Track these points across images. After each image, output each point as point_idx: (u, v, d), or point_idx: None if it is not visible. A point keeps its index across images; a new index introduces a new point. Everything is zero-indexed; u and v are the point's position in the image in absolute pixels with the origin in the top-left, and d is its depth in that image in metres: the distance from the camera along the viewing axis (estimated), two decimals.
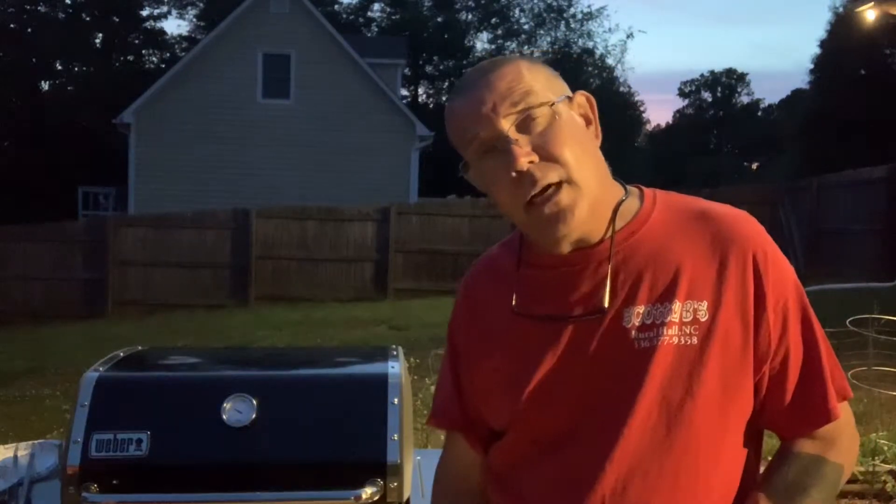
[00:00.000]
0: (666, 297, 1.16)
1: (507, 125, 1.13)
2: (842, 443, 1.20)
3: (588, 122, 1.20)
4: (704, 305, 1.15)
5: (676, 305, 1.15)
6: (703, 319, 1.15)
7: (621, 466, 1.14)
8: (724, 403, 1.15)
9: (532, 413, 1.21)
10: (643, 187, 1.28)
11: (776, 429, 1.22)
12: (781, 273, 1.19)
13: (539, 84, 1.15)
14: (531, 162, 1.12)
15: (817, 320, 1.21)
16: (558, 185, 1.12)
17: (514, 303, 1.23)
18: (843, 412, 1.20)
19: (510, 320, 1.23)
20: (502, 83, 1.14)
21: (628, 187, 1.25)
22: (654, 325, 1.15)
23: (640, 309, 1.16)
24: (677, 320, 1.15)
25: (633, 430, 1.14)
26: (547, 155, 1.12)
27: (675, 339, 1.14)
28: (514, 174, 1.12)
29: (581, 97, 1.21)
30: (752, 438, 1.21)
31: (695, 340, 1.14)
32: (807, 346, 1.19)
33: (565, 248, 1.18)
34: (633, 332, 1.15)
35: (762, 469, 1.24)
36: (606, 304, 1.17)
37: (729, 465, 1.18)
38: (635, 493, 1.14)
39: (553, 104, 1.14)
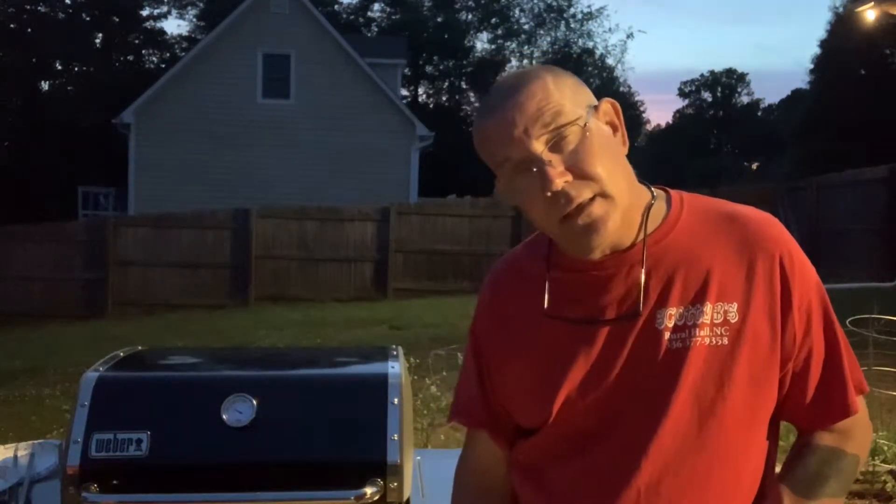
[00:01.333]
0: (697, 298, 1.19)
1: (539, 147, 1.14)
2: (857, 435, 1.25)
3: (615, 129, 1.21)
4: (735, 307, 1.18)
5: (707, 307, 1.18)
6: (734, 321, 1.18)
7: (655, 464, 1.17)
8: (752, 402, 1.19)
9: (565, 412, 1.23)
10: (669, 189, 1.30)
11: (796, 422, 1.26)
12: (805, 274, 1.22)
13: (567, 100, 1.16)
14: (566, 181, 1.13)
15: (836, 319, 1.25)
16: (591, 198, 1.15)
17: (545, 305, 1.25)
18: (860, 405, 1.24)
19: (540, 322, 1.25)
20: (532, 103, 1.14)
21: (654, 190, 1.27)
22: (686, 326, 1.18)
23: (673, 311, 1.19)
24: (709, 321, 1.18)
25: (667, 429, 1.17)
26: (580, 173, 1.14)
27: (707, 340, 1.18)
28: (549, 194, 1.13)
29: (606, 104, 1.21)
30: (772, 431, 1.24)
31: (726, 341, 1.18)
32: (828, 344, 1.23)
33: (598, 254, 1.20)
34: (667, 334, 1.18)
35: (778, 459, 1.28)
36: (641, 307, 1.19)
37: (756, 460, 1.22)
38: (668, 489, 1.17)
39: (584, 122, 1.15)
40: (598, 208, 1.14)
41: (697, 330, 1.17)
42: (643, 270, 1.20)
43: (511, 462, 1.33)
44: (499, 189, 1.21)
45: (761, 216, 1.25)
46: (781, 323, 1.19)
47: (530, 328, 1.27)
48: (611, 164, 1.16)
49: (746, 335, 1.17)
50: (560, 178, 1.12)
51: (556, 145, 1.14)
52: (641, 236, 1.21)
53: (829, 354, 1.22)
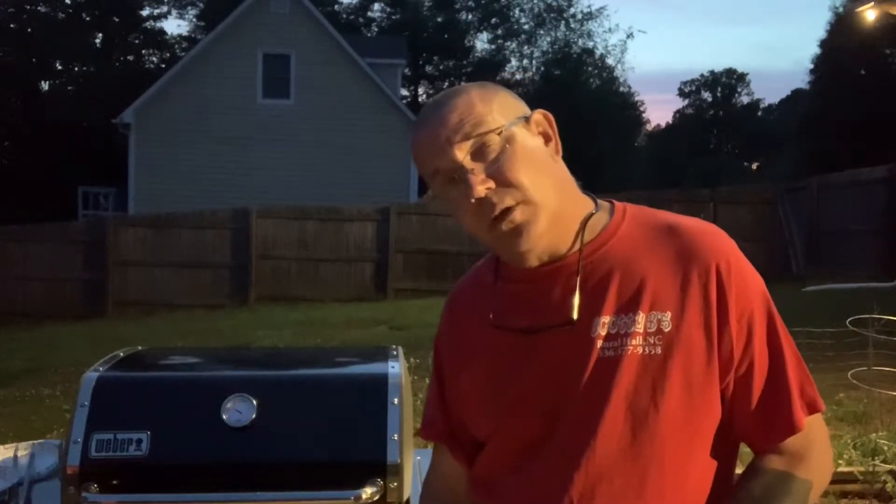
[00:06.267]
0: (630, 307, 1.19)
1: (461, 155, 1.17)
2: (811, 458, 1.21)
3: (547, 140, 1.23)
4: (668, 316, 1.18)
5: (640, 316, 1.18)
6: (667, 330, 1.17)
7: (589, 473, 1.17)
8: (689, 412, 1.17)
9: (509, 422, 1.24)
10: (615, 202, 1.31)
11: (745, 440, 1.24)
12: (746, 284, 1.21)
13: (490, 112, 1.18)
14: (488, 188, 1.16)
15: (786, 332, 1.23)
16: (514, 205, 1.17)
17: (491, 315, 1.27)
18: (815, 426, 1.22)
19: (488, 332, 1.27)
20: (454, 115, 1.18)
21: (599, 202, 1.29)
22: (618, 335, 1.18)
23: (606, 319, 1.19)
24: (641, 331, 1.18)
25: (601, 438, 1.16)
26: (502, 180, 1.16)
27: (640, 349, 1.17)
28: (473, 201, 1.16)
29: (538, 115, 1.24)
30: (725, 449, 1.22)
31: (659, 350, 1.17)
32: (772, 356, 1.21)
33: (533, 261, 1.22)
34: (600, 342, 1.18)
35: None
36: (576, 315, 1.20)
37: (699, 473, 1.20)
38: (602, 500, 1.16)
39: (502, 131, 1.18)
40: (519, 214, 1.17)
41: (630, 339, 1.17)
42: (579, 278, 1.21)
43: (470, 479, 1.34)
44: (426, 200, 1.23)
45: (701, 227, 1.24)
46: (718, 333, 1.17)
47: (479, 339, 1.29)
48: (535, 172, 1.18)
49: (680, 344, 1.17)
50: (482, 185, 1.16)
51: (477, 154, 1.17)
52: (579, 245, 1.23)
53: (773, 367, 1.20)
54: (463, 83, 1.26)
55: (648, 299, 1.18)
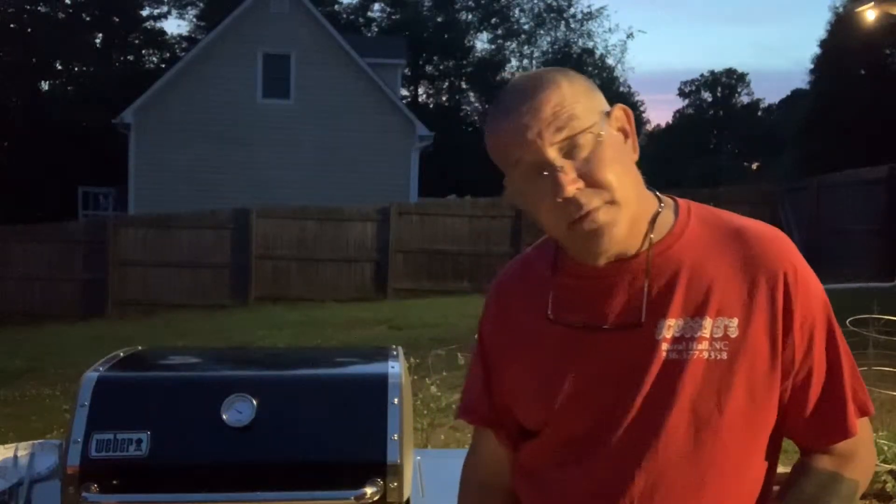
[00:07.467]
0: (698, 312, 1.19)
1: (553, 153, 1.14)
2: (859, 458, 1.23)
3: (625, 136, 1.21)
4: (735, 322, 1.18)
5: (707, 321, 1.18)
6: (734, 336, 1.17)
7: (650, 474, 1.17)
8: (750, 418, 1.18)
9: (564, 417, 1.23)
10: (677, 199, 1.29)
11: (795, 439, 1.25)
12: (810, 292, 1.21)
13: (581, 105, 1.16)
14: (578, 188, 1.14)
15: (843, 337, 1.24)
16: (599, 206, 1.15)
17: (549, 309, 1.25)
18: (863, 428, 1.23)
19: (544, 326, 1.26)
20: (547, 108, 1.14)
21: (663, 198, 1.27)
22: (684, 338, 1.18)
23: (672, 322, 1.19)
24: (708, 335, 1.18)
25: (662, 441, 1.17)
26: (592, 181, 1.14)
27: (706, 354, 1.17)
28: (560, 200, 1.13)
29: (619, 111, 1.21)
30: (774, 448, 1.23)
31: (724, 356, 1.17)
32: (830, 363, 1.22)
33: (603, 261, 1.20)
34: (665, 345, 1.18)
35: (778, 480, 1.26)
36: (644, 318, 1.19)
37: (754, 476, 1.21)
38: (662, 500, 1.17)
39: (598, 130, 1.15)
40: (604, 214, 1.14)
41: (696, 343, 1.17)
42: (647, 280, 1.20)
43: (515, 464, 1.34)
44: (508, 190, 1.21)
45: (769, 232, 1.24)
46: (782, 340, 1.18)
47: (534, 331, 1.27)
48: (621, 172, 1.16)
49: (746, 351, 1.17)
50: (572, 185, 1.13)
51: (569, 152, 1.14)
52: (647, 245, 1.21)
53: (830, 374, 1.21)
54: (545, 68, 1.22)
55: (715, 304, 1.18)
